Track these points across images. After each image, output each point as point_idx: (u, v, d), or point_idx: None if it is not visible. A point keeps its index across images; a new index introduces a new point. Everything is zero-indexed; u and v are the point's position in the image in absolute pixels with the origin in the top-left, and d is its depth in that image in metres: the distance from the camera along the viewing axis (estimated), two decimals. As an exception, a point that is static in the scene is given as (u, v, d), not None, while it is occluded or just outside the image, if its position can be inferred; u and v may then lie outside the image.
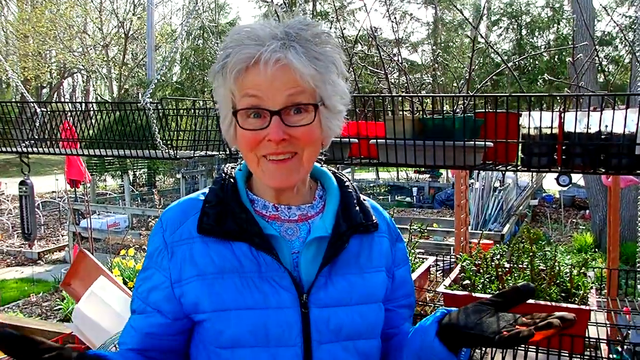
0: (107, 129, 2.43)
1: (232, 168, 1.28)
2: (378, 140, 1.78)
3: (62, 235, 10.93)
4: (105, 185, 17.17)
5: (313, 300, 1.15)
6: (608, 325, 2.16)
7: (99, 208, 10.72)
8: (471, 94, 1.77)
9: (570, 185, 14.25)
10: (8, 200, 13.61)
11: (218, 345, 1.15)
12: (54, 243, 10.53)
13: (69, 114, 2.63)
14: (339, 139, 1.78)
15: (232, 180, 1.24)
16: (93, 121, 2.48)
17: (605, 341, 1.91)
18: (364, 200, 1.31)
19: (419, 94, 1.83)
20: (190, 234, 1.18)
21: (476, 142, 1.66)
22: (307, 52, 1.08)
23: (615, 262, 3.56)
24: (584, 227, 10.94)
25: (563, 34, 18.28)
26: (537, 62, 18.04)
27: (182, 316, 1.19)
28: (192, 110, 2.30)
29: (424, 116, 1.76)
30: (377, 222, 1.28)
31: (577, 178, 13.25)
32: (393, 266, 1.30)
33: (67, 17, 22.11)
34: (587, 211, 11.36)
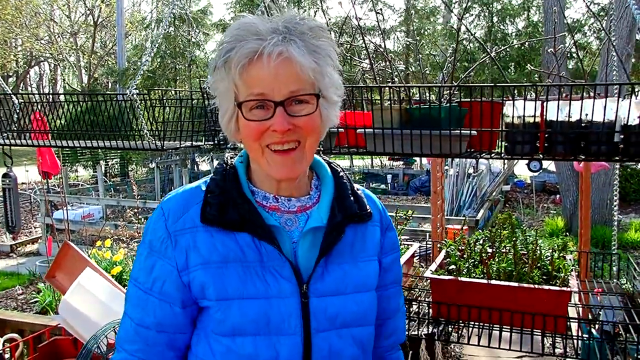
0: (88, 119, 2.41)
1: (231, 158, 1.30)
2: (366, 130, 1.81)
3: (35, 228, 10.75)
4: (77, 176, 16.89)
5: (312, 289, 1.19)
6: (581, 306, 2.25)
7: (72, 199, 10.56)
8: (456, 84, 1.82)
9: (541, 170, 14.55)
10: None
11: (219, 332, 1.18)
12: (26, 235, 10.33)
13: (46, 104, 2.60)
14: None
15: (232, 170, 1.26)
16: (76, 111, 2.45)
17: (575, 321, 2.00)
18: (358, 189, 1.35)
19: (406, 84, 1.87)
20: (194, 223, 1.19)
21: (462, 131, 1.71)
22: (307, 45, 1.12)
23: (587, 245, 3.67)
24: (555, 212, 11.18)
25: (533, 21, 18.50)
26: (508, 49, 18.24)
27: (190, 303, 1.21)
28: (179, 101, 2.30)
29: (411, 106, 1.80)
30: (371, 212, 1.31)
31: (548, 163, 13.50)
32: (381, 254, 1.34)
33: (33, 4, 21.56)
34: (558, 196, 11.61)
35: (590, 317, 2.57)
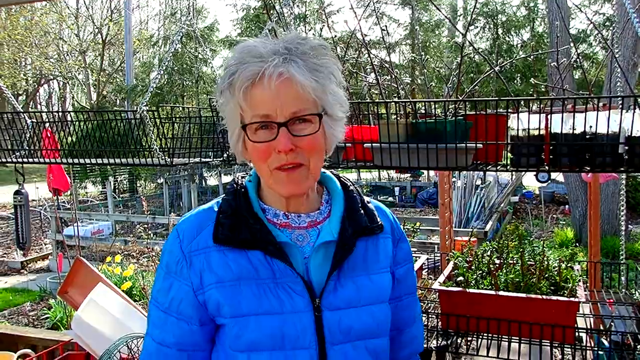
0: (98, 136, 2.45)
1: (242, 178, 1.34)
2: (373, 144, 1.84)
3: (45, 244, 10.82)
4: (86, 192, 17.00)
5: (325, 303, 1.21)
6: (592, 316, 2.26)
7: (82, 215, 10.63)
8: (461, 98, 1.84)
9: (550, 181, 14.51)
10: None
11: (236, 348, 1.21)
12: (36, 252, 10.41)
13: (58, 122, 2.65)
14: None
15: (243, 190, 1.29)
16: (86, 128, 2.50)
17: (584, 331, 2.00)
18: (368, 202, 1.37)
19: (412, 100, 1.89)
20: (207, 244, 1.23)
21: (467, 144, 1.73)
22: (307, 64, 1.15)
23: (597, 256, 3.67)
24: (564, 223, 11.13)
25: (538, 32, 18.53)
26: (514, 61, 18.25)
27: (208, 321, 1.25)
28: (188, 117, 2.34)
29: (417, 120, 1.82)
30: (381, 224, 1.33)
31: (556, 174, 13.48)
32: (394, 265, 1.37)
33: (42, 24, 21.84)
34: (567, 206, 11.57)
35: (600, 327, 2.58)
